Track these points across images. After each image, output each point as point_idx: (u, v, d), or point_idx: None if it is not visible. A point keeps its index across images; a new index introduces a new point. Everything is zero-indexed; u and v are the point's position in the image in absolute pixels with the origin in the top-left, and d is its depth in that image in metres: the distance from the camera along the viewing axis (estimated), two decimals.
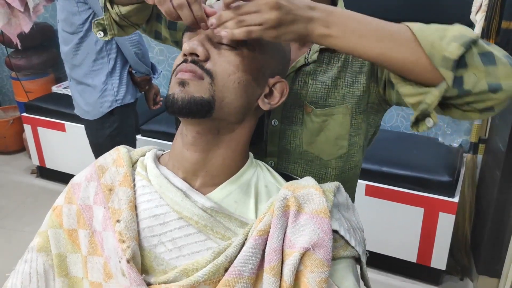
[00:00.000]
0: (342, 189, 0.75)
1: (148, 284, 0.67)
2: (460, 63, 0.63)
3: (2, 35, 3.11)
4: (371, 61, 0.71)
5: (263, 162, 0.81)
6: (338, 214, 0.70)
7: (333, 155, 0.93)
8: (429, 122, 0.68)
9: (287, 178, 0.80)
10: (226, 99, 0.69)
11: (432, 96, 0.65)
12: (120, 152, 0.80)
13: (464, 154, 2.34)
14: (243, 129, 0.75)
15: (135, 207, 0.72)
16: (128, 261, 0.66)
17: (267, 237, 0.64)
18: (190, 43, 0.68)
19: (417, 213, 2.13)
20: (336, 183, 0.74)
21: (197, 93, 0.67)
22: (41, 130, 3.10)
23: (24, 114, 3.13)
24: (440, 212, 2.08)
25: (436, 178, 2.07)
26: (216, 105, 0.68)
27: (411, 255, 2.23)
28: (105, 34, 0.96)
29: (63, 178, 3.08)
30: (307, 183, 0.71)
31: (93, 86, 1.99)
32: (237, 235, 0.67)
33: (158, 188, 0.73)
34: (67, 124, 2.96)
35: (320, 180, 0.88)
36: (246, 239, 0.65)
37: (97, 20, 0.95)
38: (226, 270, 0.64)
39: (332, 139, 0.91)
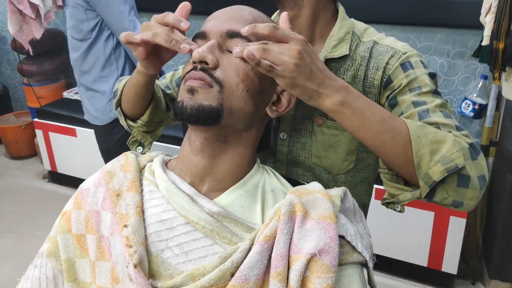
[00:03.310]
0: (349, 195, 0.75)
1: None
2: (439, 180, 0.70)
3: (14, 42, 3.16)
4: (366, 146, 0.75)
5: (270, 168, 0.81)
6: (344, 220, 0.69)
7: (342, 170, 0.93)
8: (397, 208, 0.81)
9: (294, 183, 0.80)
10: (234, 107, 0.69)
11: (405, 196, 0.76)
12: (128, 157, 0.81)
13: None
14: (250, 136, 0.75)
15: (143, 212, 0.73)
16: (135, 266, 0.66)
17: (273, 243, 0.64)
18: (200, 50, 0.69)
19: (428, 217, 2.11)
20: (343, 188, 0.74)
21: (205, 101, 0.67)
22: (52, 135, 3.13)
23: (36, 119, 3.16)
24: (451, 216, 2.07)
25: None
26: (225, 113, 0.69)
27: (422, 260, 2.21)
28: (143, 147, 1.03)
29: (74, 182, 3.10)
30: (314, 188, 0.71)
31: (102, 92, 2.00)
32: (243, 240, 0.67)
33: (166, 193, 0.73)
34: (78, 129, 2.98)
35: None
36: (252, 244, 0.66)
37: (130, 140, 1.02)
38: (232, 275, 0.64)
39: (342, 155, 0.92)
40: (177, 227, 0.70)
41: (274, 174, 0.80)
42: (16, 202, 3.11)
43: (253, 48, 0.65)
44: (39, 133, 3.18)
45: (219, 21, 0.73)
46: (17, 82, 3.94)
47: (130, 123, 0.99)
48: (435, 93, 0.82)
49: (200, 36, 0.73)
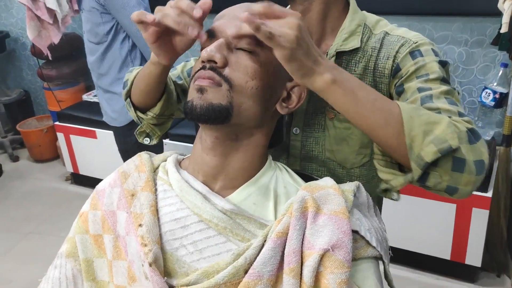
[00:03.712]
0: (362, 189, 0.74)
1: (171, 286, 0.68)
2: (432, 162, 0.67)
3: (33, 47, 3.22)
4: (359, 127, 0.73)
5: (282, 164, 0.81)
6: (358, 214, 0.69)
7: (357, 164, 0.93)
8: (394, 196, 0.80)
9: (307, 179, 0.80)
10: (244, 105, 0.70)
11: (398, 181, 0.72)
12: (142, 158, 0.82)
13: (497, 147, 2.27)
14: (261, 133, 0.75)
15: (157, 211, 0.74)
16: (150, 265, 0.67)
17: (286, 239, 0.64)
18: (208, 49, 0.69)
19: (450, 209, 2.08)
20: (356, 183, 0.74)
21: (215, 100, 0.68)
22: (73, 137, 3.18)
23: (57, 122, 3.22)
24: (473, 208, 2.03)
25: None
26: (234, 111, 0.69)
27: (444, 253, 2.18)
28: (151, 139, 1.01)
29: (96, 183, 3.06)
30: (326, 183, 0.71)
31: (120, 94, 2.03)
32: (256, 237, 0.68)
33: (179, 192, 0.74)
34: (98, 131, 3.03)
35: None
36: (265, 241, 0.66)
37: (138, 130, 1.01)
38: (246, 272, 0.64)
39: (355, 149, 0.91)
40: (191, 225, 0.71)
41: (286, 170, 0.80)
42: (41, 204, 3.17)
43: (256, 10, 0.62)
44: (60, 136, 3.24)
45: (227, 19, 0.73)
46: (38, 87, 4.02)
47: (140, 114, 0.97)
48: (443, 80, 0.80)
49: (209, 34, 0.73)
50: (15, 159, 3.82)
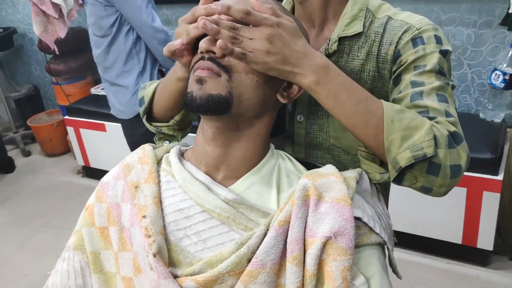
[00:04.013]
0: (365, 176, 0.74)
1: (175, 276, 0.69)
2: (408, 165, 0.70)
3: (40, 43, 3.24)
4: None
5: (285, 153, 0.81)
6: (361, 201, 0.69)
7: None
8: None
9: (310, 167, 0.80)
10: (244, 95, 0.69)
11: (374, 177, 0.78)
12: (145, 150, 0.82)
13: (508, 129, 2.24)
14: (262, 123, 0.75)
15: (160, 202, 0.74)
16: (154, 255, 0.68)
17: (288, 227, 0.64)
18: (207, 40, 0.69)
19: (460, 193, 2.07)
20: (359, 170, 0.73)
21: (214, 91, 0.68)
22: (83, 131, 3.21)
23: (66, 117, 3.24)
24: (484, 191, 2.01)
25: (479, 156, 2.00)
26: (234, 102, 0.69)
27: (456, 237, 2.17)
28: (170, 142, 1.00)
29: None
30: (327, 171, 0.70)
31: (126, 87, 2.04)
32: (259, 226, 0.68)
33: (182, 183, 0.74)
34: (107, 124, 3.04)
35: None
36: (267, 230, 0.66)
37: (157, 136, 1.00)
38: (249, 261, 0.64)
39: None
40: (194, 216, 0.71)
41: (289, 159, 0.79)
42: (53, 198, 3.21)
43: (225, 36, 0.65)
44: (70, 130, 3.26)
45: None
46: (47, 82, 4.05)
47: (158, 124, 0.97)
48: (439, 73, 0.80)
49: None
50: (27, 154, 3.87)
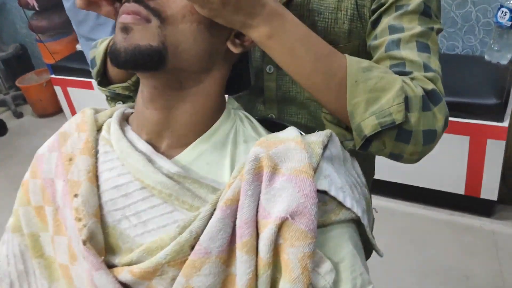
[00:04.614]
0: (336, 139, 0.62)
1: (112, 266, 0.59)
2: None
3: None
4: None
5: (245, 113, 0.69)
6: (328, 170, 0.57)
7: None
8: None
9: (278, 129, 0.68)
10: (182, 45, 0.57)
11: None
12: (84, 115, 0.71)
13: None
14: (212, 78, 0.62)
15: (97, 177, 0.63)
16: (84, 243, 0.57)
17: (237, 207, 0.53)
18: None
19: (463, 141, 1.94)
20: (327, 132, 0.61)
21: (143, 41, 0.55)
22: (71, 90, 3.09)
23: (53, 76, 3.11)
24: (488, 139, 1.89)
25: (482, 102, 1.86)
26: (170, 54, 0.56)
27: (458, 187, 2.07)
28: (124, 103, 0.84)
29: None
30: (287, 135, 0.58)
31: None
32: (208, 203, 0.57)
33: (120, 154, 0.63)
34: (94, 82, 2.91)
35: None
36: (215, 209, 0.55)
37: (110, 97, 0.85)
38: (192, 248, 0.54)
39: None
40: (133, 193, 0.60)
41: (249, 120, 0.67)
42: None
43: None
44: (58, 89, 3.14)
45: None
46: (34, 40, 3.87)
47: (112, 86, 0.84)
48: (424, 14, 0.67)
49: None
50: (19, 115, 3.76)
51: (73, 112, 3.19)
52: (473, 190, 2.04)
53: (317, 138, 0.59)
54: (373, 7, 0.71)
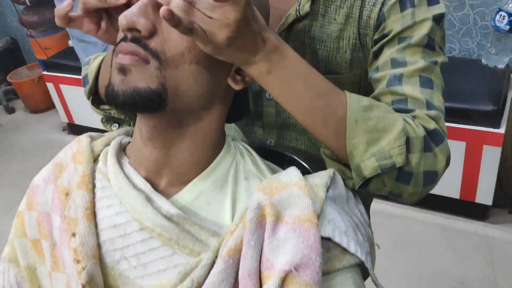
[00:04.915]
0: (339, 178, 0.61)
1: None
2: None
3: None
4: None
5: (245, 145, 0.67)
6: (332, 213, 0.55)
7: None
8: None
9: (278, 159, 0.66)
10: (182, 85, 0.55)
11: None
12: (80, 143, 0.69)
13: None
14: (212, 115, 0.61)
15: (94, 214, 0.61)
16: (83, 286, 0.56)
17: (240, 257, 0.52)
18: (128, 13, 0.53)
19: (459, 147, 1.94)
20: (330, 172, 0.60)
21: (141, 83, 0.53)
22: (63, 87, 3.04)
23: (45, 72, 3.07)
24: (484, 145, 1.89)
25: (479, 108, 1.85)
26: (170, 96, 0.54)
27: (453, 192, 2.07)
28: (121, 125, 0.82)
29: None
30: (290, 179, 0.57)
31: (94, 43, 1.87)
32: (209, 247, 0.55)
33: (118, 191, 0.61)
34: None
35: None
36: (217, 257, 0.53)
37: (105, 118, 0.81)
38: None
39: None
40: (132, 234, 0.58)
41: (250, 153, 0.66)
42: (41, 157, 3.09)
43: (175, 4, 0.49)
44: (50, 86, 3.10)
45: None
46: (25, 34, 3.82)
47: (107, 107, 0.81)
48: (427, 47, 0.66)
49: None
50: (10, 110, 3.72)
51: (66, 109, 3.15)
52: (468, 194, 2.04)
53: (320, 180, 0.57)
54: (375, 37, 0.69)
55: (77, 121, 3.17)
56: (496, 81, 1.99)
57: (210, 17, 0.49)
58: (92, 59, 0.83)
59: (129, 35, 0.53)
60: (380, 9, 0.68)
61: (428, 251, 2.02)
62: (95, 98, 0.82)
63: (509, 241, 2.02)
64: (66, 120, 3.23)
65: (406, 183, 0.60)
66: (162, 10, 0.47)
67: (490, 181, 1.96)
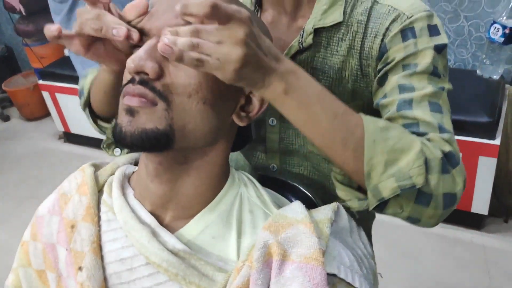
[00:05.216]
0: (342, 211, 0.62)
1: None
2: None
3: (4, 2, 2.99)
4: (314, 145, 0.63)
5: (248, 176, 0.68)
6: (336, 248, 0.56)
7: None
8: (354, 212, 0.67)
9: (280, 187, 0.67)
10: (189, 125, 0.55)
11: (353, 204, 0.64)
12: (85, 174, 0.69)
13: (507, 86, 2.10)
14: (217, 149, 0.62)
15: (101, 247, 0.62)
16: None
17: None
18: (135, 57, 0.53)
19: None
20: (334, 205, 0.61)
21: (149, 124, 0.54)
22: (59, 96, 3.03)
23: (41, 81, 3.06)
24: (479, 156, 1.90)
25: (474, 120, 1.87)
26: (177, 136, 0.55)
27: None
28: (122, 150, 0.82)
29: (90, 142, 3.03)
30: (295, 216, 0.58)
31: None
32: (215, 284, 0.56)
33: (123, 225, 0.62)
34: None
35: (331, 185, 0.73)
36: None
37: (105, 143, 0.81)
38: None
39: None
40: (138, 268, 0.59)
41: (253, 184, 0.67)
42: (37, 166, 3.09)
43: (181, 42, 0.48)
44: (46, 95, 3.09)
45: (160, 11, 0.57)
46: (20, 42, 3.81)
47: (103, 124, 0.81)
48: (433, 74, 0.66)
49: (140, 32, 0.58)
50: (5, 118, 3.70)
51: (62, 118, 3.14)
52: (464, 204, 2.06)
53: (325, 215, 0.58)
54: (379, 67, 0.70)
55: (73, 129, 3.17)
56: (491, 92, 2.01)
57: (219, 42, 0.49)
58: (90, 71, 0.83)
59: (137, 78, 0.54)
60: (382, 40, 0.69)
61: (424, 260, 2.04)
62: (90, 110, 0.82)
63: (504, 249, 2.04)
64: (62, 129, 3.22)
65: (425, 205, 0.59)
66: (160, 45, 0.48)
67: (486, 191, 1.98)
